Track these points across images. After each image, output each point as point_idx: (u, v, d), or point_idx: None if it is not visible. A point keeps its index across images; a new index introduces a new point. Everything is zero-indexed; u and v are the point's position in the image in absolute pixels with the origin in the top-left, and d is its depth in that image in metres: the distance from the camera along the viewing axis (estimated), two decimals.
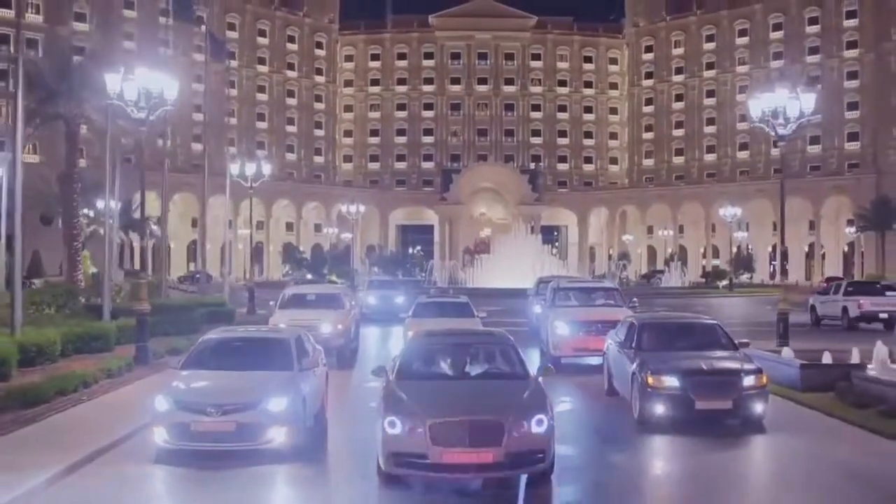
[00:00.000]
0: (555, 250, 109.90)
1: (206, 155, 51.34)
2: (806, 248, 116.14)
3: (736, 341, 16.46)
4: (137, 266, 71.38)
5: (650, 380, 14.76)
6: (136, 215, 55.08)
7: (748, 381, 14.65)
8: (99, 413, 15.48)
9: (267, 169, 43.18)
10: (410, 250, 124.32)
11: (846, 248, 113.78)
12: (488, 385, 12.22)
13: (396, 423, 10.98)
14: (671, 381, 14.64)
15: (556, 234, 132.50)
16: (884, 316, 35.45)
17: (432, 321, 21.33)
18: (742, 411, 14.61)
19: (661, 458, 13.96)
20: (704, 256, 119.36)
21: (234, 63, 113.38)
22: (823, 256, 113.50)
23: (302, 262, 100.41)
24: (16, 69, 24.73)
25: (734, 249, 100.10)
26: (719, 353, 15.73)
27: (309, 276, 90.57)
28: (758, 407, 14.65)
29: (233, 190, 47.74)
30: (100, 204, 52.46)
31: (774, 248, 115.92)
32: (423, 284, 63.91)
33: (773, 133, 22.76)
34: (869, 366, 17.19)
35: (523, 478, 11.18)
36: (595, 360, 20.81)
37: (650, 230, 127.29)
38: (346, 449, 13.97)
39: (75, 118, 32.96)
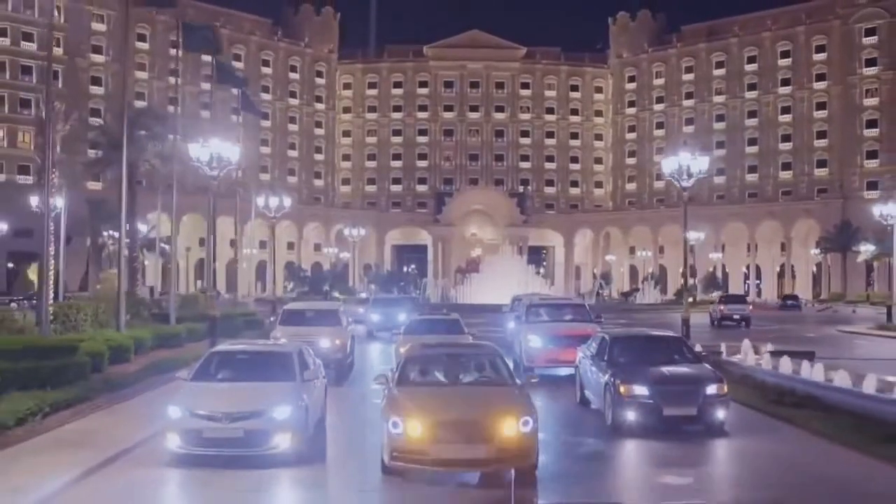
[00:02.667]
0: (541, 269, 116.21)
1: (239, 182, 57.64)
2: (778, 269, 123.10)
3: (700, 353, 19.01)
4: (150, 282, 78.27)
5: (622, 389, 15.87)
6: (152, 235, 62.14)
7: (711, 389, 15.93)
8: None
9: (288, 202, 49.81)
10: (405, 269, 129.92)
11: (815, 269, 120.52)
12: (480, 390, 13.45)
13: (398, 423, 12.04)
14: (641, 390, 15.77)
15: (543, 254, 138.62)
16: (736, 317, 53.07)
17: (424, 338, 21.13)
18: (706, 417, 15.82)
19: (634, 458, 15.24)
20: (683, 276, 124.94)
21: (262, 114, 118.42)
22: (794, 276, 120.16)
23: (304, 280, 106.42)
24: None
25: (702, 269, 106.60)
26: (684, 364, 17.01)
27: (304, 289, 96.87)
28: (720, 413, 15.89)
29: (238, 212, 53.76)
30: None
31: (748, 267, 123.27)
32: (419, 301, 66.93)
33: (678, 184, 30.26)
34: (738, 355, 24.12)
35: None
36: (564, 371, 22.49)
37: (632, 250, 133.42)
38: (344, 454, 14.96)
39: (136, 162, 39.66)
